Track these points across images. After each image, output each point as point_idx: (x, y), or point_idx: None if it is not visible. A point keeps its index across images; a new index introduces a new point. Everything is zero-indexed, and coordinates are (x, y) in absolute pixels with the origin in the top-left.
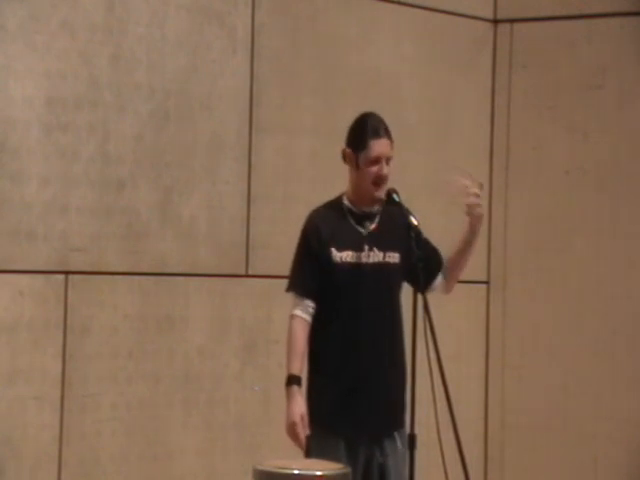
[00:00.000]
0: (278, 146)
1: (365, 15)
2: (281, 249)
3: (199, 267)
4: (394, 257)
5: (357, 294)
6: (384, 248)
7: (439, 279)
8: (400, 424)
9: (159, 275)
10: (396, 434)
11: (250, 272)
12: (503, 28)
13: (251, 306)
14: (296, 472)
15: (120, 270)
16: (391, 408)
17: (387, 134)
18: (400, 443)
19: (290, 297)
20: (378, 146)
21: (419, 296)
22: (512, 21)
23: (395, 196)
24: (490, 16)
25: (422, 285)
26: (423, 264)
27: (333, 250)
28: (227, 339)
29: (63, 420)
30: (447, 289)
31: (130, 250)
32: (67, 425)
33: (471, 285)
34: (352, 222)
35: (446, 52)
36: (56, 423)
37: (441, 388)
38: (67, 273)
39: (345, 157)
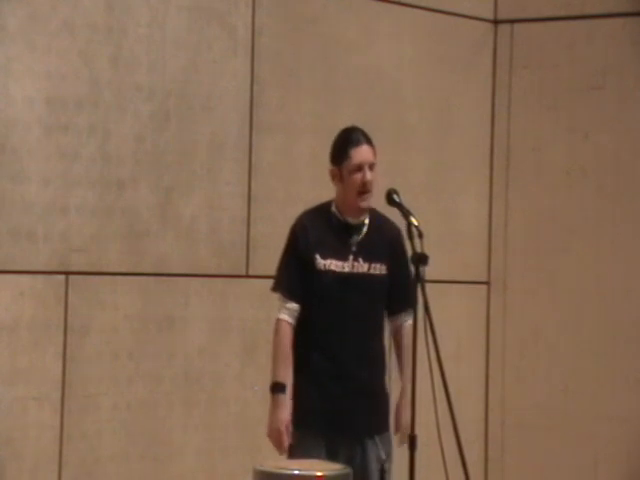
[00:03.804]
0: (278, 146)
1: (365, 16)
2: (281, 249)
3: (199, 267)
4: (380, 269)
5: (339, 302)
6: (369, 259)
7: (392, 324)
8: (382, 427)
9: (159, 275)
10: (377, 438)
11: (250, 272)
12: (503, 28)
13: (251, 306)
14: (296, 472)
15: (120, 270)
16: (372, 410)
17: (368, 141)
18: (381, 448)
19: (276, 297)
20: (359, 153)
21: (419, 296)
22: (512, 21)
23: (395, 196)
24: (490, 16)
25: (410, 302)
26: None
27: (318, 257)
28: (227, 339)
29: (63, 420)
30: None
31: (130, 250)
32: (67, 425)
33: (471, 285)
34: (339, 231)
35: (446, 52)
36: (56, 423)
37: (441, 388)
38: (67, 273)
39: (331, 177)
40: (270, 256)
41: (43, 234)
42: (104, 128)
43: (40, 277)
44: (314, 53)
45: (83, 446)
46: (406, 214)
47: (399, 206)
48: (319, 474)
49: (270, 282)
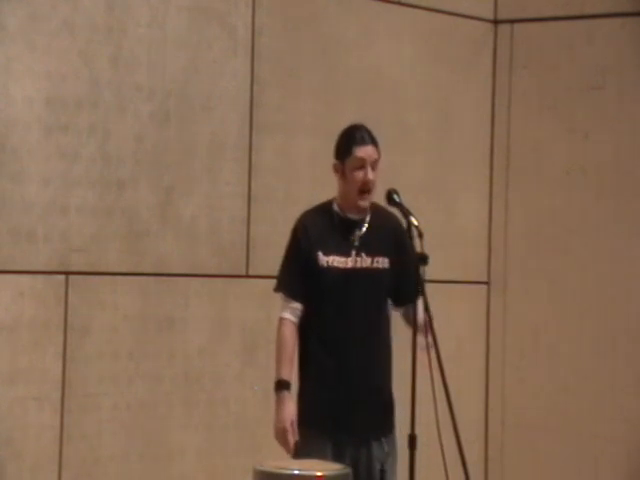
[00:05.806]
0: (278, 146)
1: (365, 16)
2: (281, 249)
3: (199, 267)
4: (383, 262)
5: (343, 298)
6: (372, 254)
7: (403, 309)
8: (388, 428)
9: (159, 275)
10: (384, 440)
11: (250, 272)
12: (503, 28)
13: (251, 306)
14: (296, 472)
15: (120, 270)
16: (378, 411)
17: (372, 141)
18: (387, 448)
19: (279, 297)
20: (362, 151)
21: (419, 296)
22: (512, 21)
23: (395, 196)
24: (490, 16)
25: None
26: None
27: (320, 254)
28: (227, 339)
29: (63, 420)
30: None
31: (130, 250)
32: (67, 425)
33: (471, 285)
34: (341, 227)
35: (446, 53)
36: (56, 423)
37: (441, 388)
38: (67, 273)
39: (334, 171)
40: (270, 256)
41: (43, 234)
42: (104, 128)
43: (40, 277)
44: (314, 53)
45: (83, 446)
46: (406, 214)
47: (399, 206)
48: (319, 474)
49: (270, 282)
